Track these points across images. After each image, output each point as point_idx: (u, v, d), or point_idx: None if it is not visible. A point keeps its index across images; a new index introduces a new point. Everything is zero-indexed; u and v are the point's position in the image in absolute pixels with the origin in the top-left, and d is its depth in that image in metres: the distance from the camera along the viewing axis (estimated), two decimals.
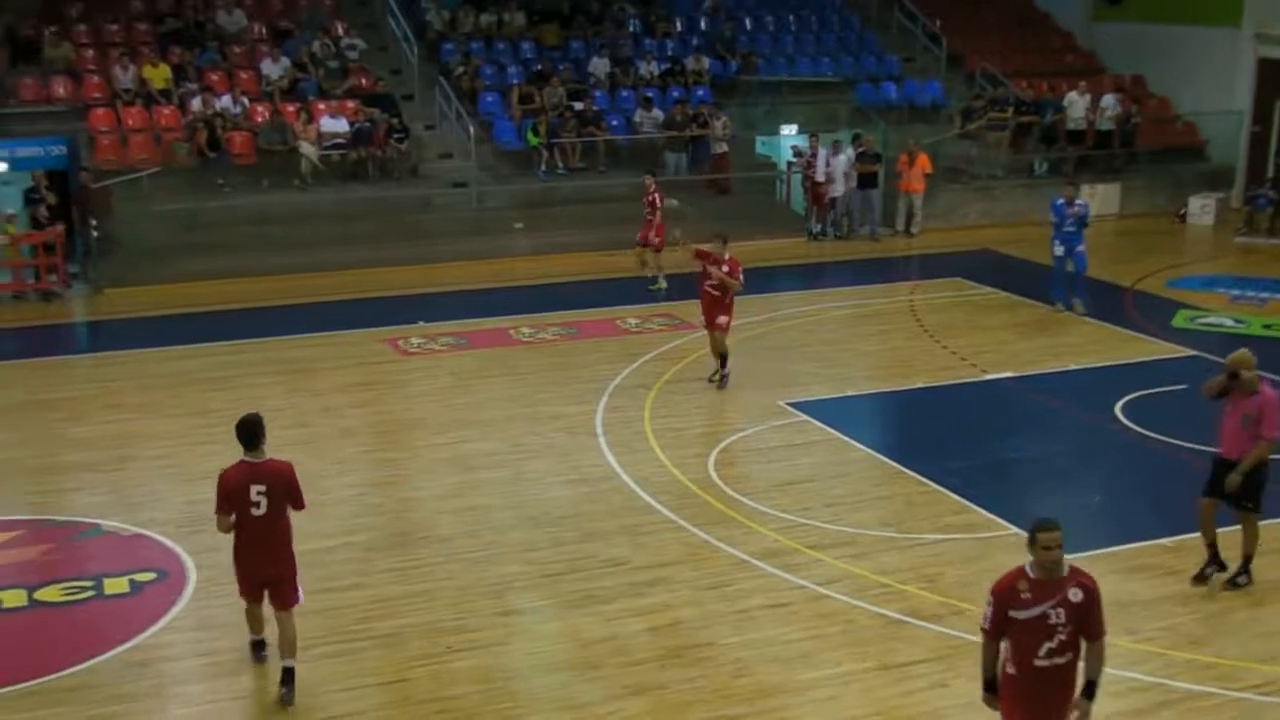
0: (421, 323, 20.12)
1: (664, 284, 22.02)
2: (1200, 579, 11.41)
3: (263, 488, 9.54)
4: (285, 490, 9.66)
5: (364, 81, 27.99)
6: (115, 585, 11.49)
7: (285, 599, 9.77)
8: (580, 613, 11.03)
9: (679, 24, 32.36)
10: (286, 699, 9.61)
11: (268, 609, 9.93)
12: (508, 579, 11.64)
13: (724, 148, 28.07)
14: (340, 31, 29.37)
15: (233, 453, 9.76)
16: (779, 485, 13.71)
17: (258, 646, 10.27)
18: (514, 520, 12.90)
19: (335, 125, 26.32)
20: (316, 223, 25.09)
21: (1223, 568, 11.44)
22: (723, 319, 16.72)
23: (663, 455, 14.55)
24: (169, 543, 12.31)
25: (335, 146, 26.08)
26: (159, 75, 26.40)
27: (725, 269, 16.53)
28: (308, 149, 25.49)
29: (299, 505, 9.84)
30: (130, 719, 9.49)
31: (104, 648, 10.42)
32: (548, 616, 11.11)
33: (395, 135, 26.41)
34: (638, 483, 13.76)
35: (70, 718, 9.47)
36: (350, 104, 26.99)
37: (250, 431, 9.68)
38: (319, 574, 11.51)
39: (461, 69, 28.62)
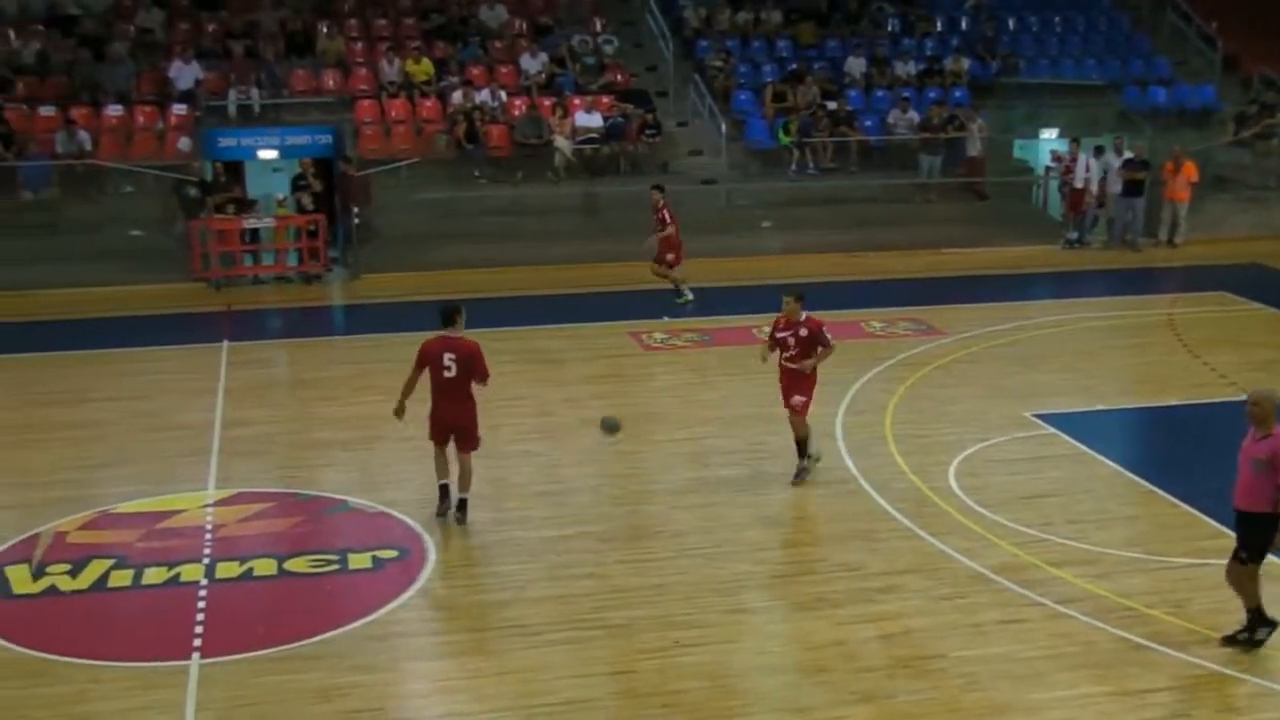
0: (666, 318, 20.23)
1: (690, 297, 20.96)
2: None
3: (453, 356, 12.24)
4: (469, 361, 12.26)
5: (619, 77, 28.32)
6: (358, 560, 11.84)
7: (465, 444, 12.49)
8: (810, 615, 10.88)
9: (939, 23, 31.80)
10: (459, 521, 12.43)
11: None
12: (739, 577, 11.55)
13: (979, 151, 27.42)
14: (598, 28, 29.78)
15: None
16: (1021, 498, 13.26)
17: (443, 491, 12.62)
18: (749, 519, 12.81)
19: (589, 120, 26.69)
20: (566, 216, 25.50)
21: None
22: (799, 399, 13.49)
23: (902, 461, 14.26)
24: (411, 522, 12.63)
25: (588, 141, 26.44)
26: (422, 69, 27.21)
27: (804, 332, 13.45)
28: (562, 143, 25.91)
29: (482, 378, 12.38)
30: (367, 690, 9.74)
31: (345, 619, 10.74)
32: (777, 617, 11.00)
33: (648, 132, 26.63)
34: (875, 488, 13.51)
35: (311, 684, 9.78)
36: (605, 100, 27.34)
37: (450, 311, 12.52)
38: (554, 561, 11.70)
39: (716, 66, 28.67)
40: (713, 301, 21.25)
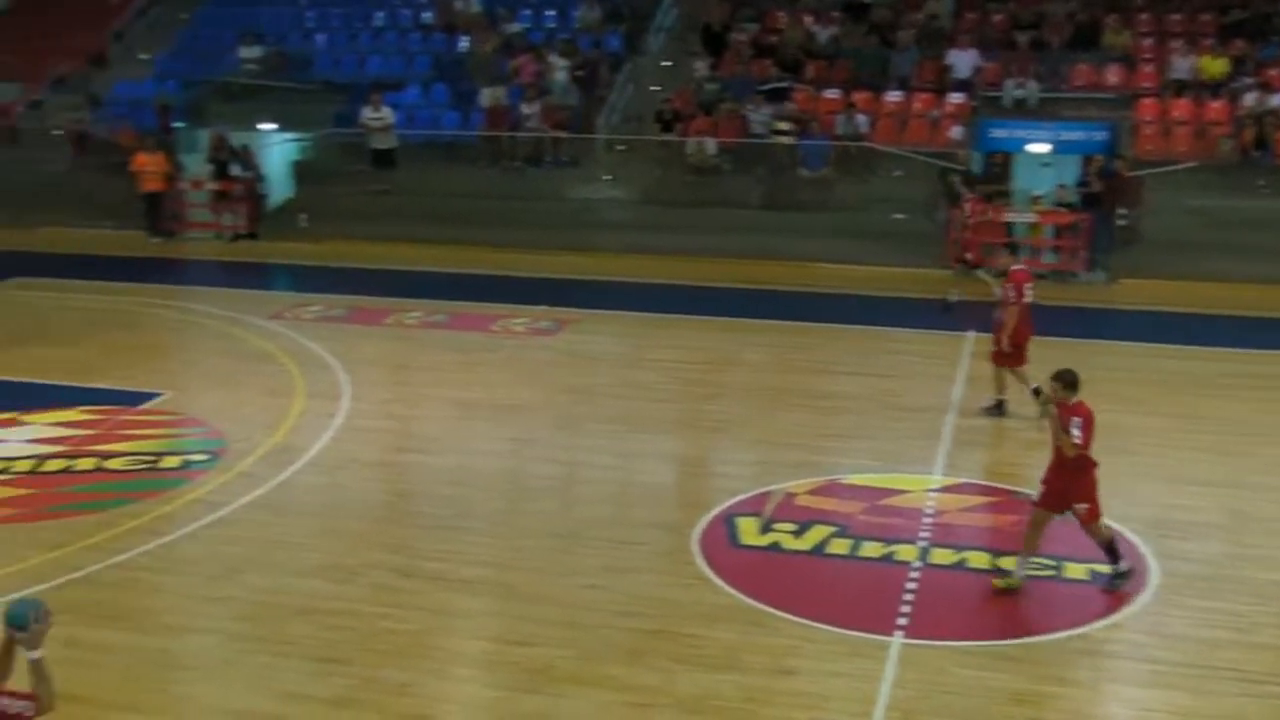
0: None
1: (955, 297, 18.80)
2: None
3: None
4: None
5: None
6: (1074, 570, 11.45)
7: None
8: None
9: None
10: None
11: None
12: None
13: None
14: None
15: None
16: None
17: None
18: None
19: None
20: None
21: None
22: (1081, 506, 11.01)
23: None
24: (1137, 540, 12.05)
25: None
26: (1216, 67, 25.73)
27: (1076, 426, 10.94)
28: None
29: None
30: (1062, 702, 9.43)
31: (1051, 627, 10.46)
32: None
33: None
34: None
35: (1006, 685, 9.61)
36: None
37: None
38: None
39: None
40: None
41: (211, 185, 27.08)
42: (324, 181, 27.43)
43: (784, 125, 25.48)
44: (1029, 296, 15.39)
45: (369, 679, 9.90)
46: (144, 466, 14.36)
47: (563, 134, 26.59)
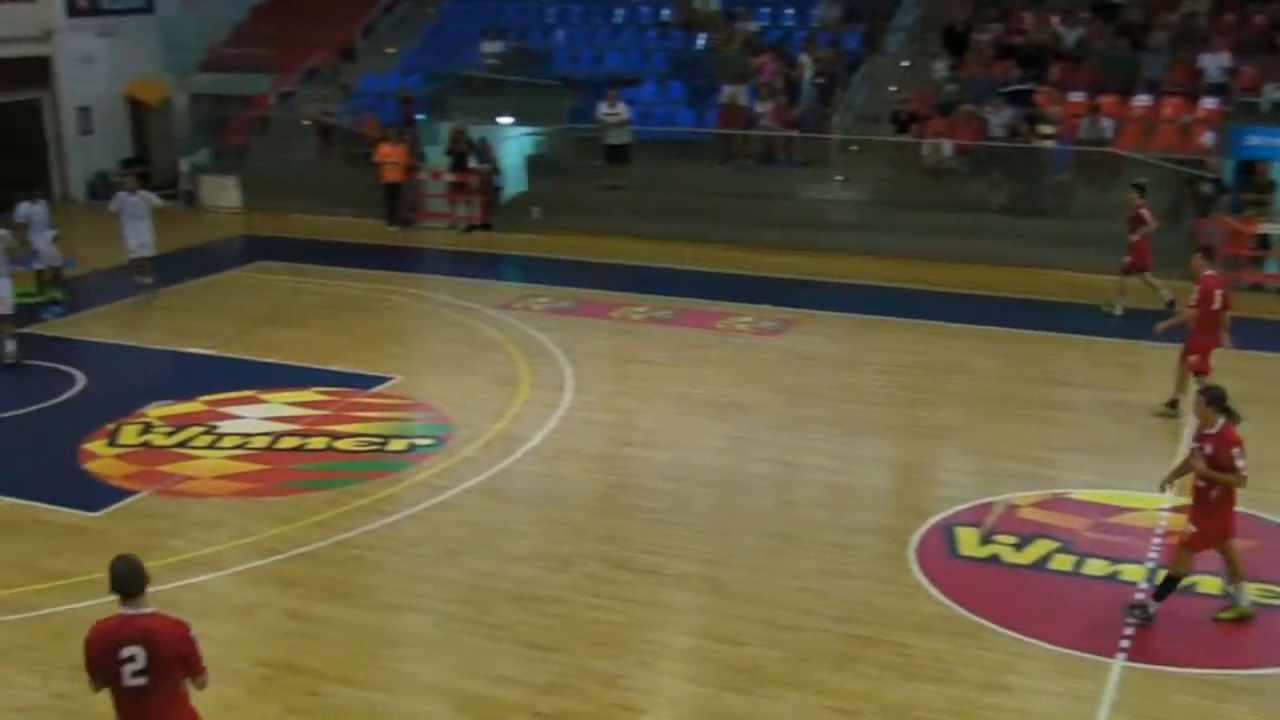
0: None
1: (1118, 309, 19.44)
2: None
3: None
4: None
5: None
6: None
7: None
8: None
9: None
10: None
11: None
12: None
13: None
14: None
15: None
16: None
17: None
18: None
19: None
20: None
21: None
22: (1192, 528, 10.48)
23: None
24: None
25: None
26: None
27: (1209, 449, 10.30)
28: None
29: None
30: None
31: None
32: None
33: None
34: None
35: (1231, 715, 9.21)
36: None
37: None
38: None
39: None
40: None
41: (449, 177, 27.74)
42: (557, 176, 27.84)
43: (1048, 129, 24.81)
44: (1217, 304, 14.81)
45: (578, 667, 10.01)
46: (372, 448, 14.80)
47: (795, 133, 26.43)
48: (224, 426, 15.38)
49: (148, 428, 15.38)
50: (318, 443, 14.92)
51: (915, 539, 12.14)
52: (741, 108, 26.91)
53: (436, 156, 28.46)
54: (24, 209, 20.56)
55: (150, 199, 21.55)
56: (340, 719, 9.44)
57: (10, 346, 17.63)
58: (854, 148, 26.53)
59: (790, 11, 29.98)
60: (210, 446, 14.80)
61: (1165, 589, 10.54)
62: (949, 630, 10.48)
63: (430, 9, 33.49)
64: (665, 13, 30.87)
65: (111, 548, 12.02)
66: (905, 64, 28.21)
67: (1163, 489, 10.95)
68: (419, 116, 29.31)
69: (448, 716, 9.46)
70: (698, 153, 27.44)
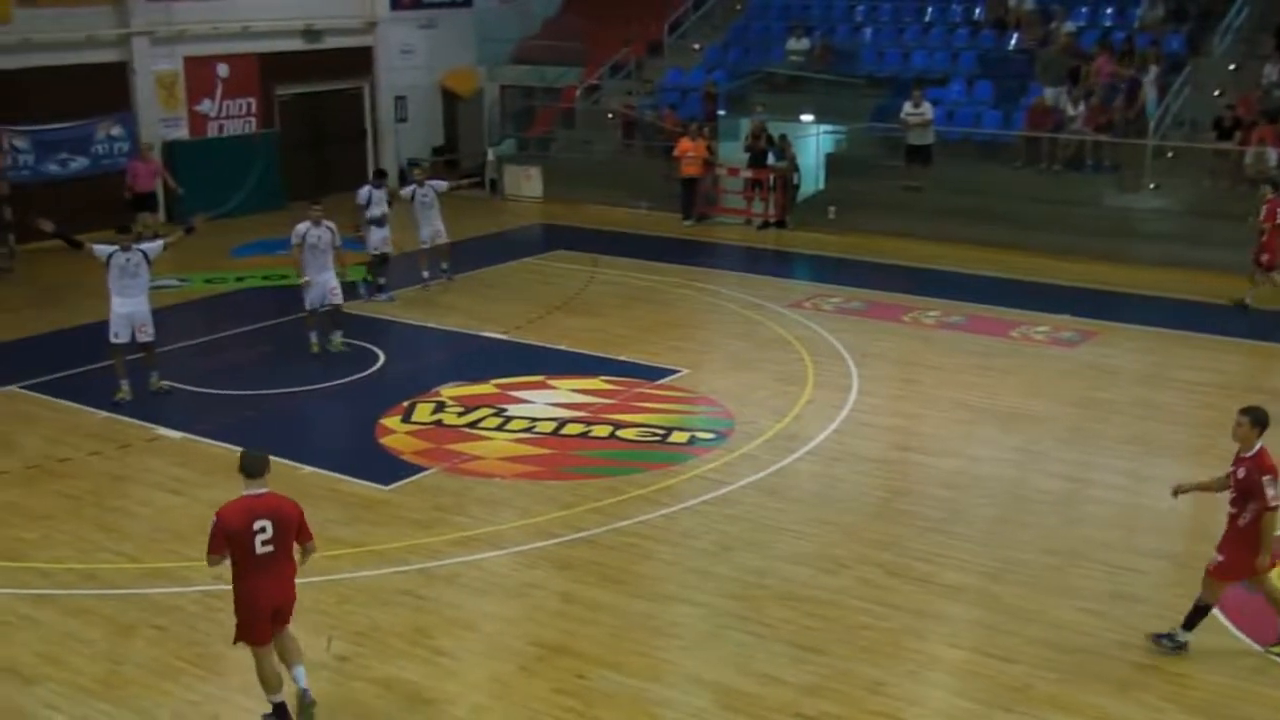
0: None
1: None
2: None
3: None
4: None
5: None
6: None
7: None
8: None
9: None
10: None
11: None
12: None
13: None
14: None
15: None
16: None
17: None
18: None
19: None
20: None
21: None
22: (1216, 556, 10.00)
23: None
24: None
25: None
26: None
27: (1242, 473, 9.81)
28: None
29: None
30: None
31: None
32: None
33: None
34: None
35: None
36: None
37: None
38: None
39: None
40: None
41: (746, 173, 27.81)
42: (856, 175, 27.54)
43: None
44: None
45: (843, 672, 9.90)
46: (654, 439, 14.96)
47: (1106, 138, 25.43)
48: (512, 410, 15.81)
49: (440, 407, 15.95)
50: (601, 431, 15.17)
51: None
52: (1051, 110, 26.05)
53: (733, 152, 28.55)
54: (365, 192, 20.99)
55: (438, 187, 22.16)
56: (605, 703, 9.56)
57: (338, 336, 18.25)
58: (1170, 154, 25.36)
59: (1110, 11, 28.90)
60: (498, 428, 15.24)
61: (1194, 618, 10.11)
62: (1237, 665, 9.92)
63: (739, 5, 33.64)
64: (978, 11, 30.16)
65: (400, 521, 12.67)
66: (1232, 67, 26.78)
67: (1175, 494, 10.70)
68: (720, 112, 29.48)
69: (711, 710, 9.46)
70: (1001, 155, 26.76)
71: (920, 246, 24.28)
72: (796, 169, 27.54)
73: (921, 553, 11.94)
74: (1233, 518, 9.95)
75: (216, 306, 21.43)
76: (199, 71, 28.38)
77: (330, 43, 30.71)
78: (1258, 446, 9.86)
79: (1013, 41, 29.03)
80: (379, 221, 20.89)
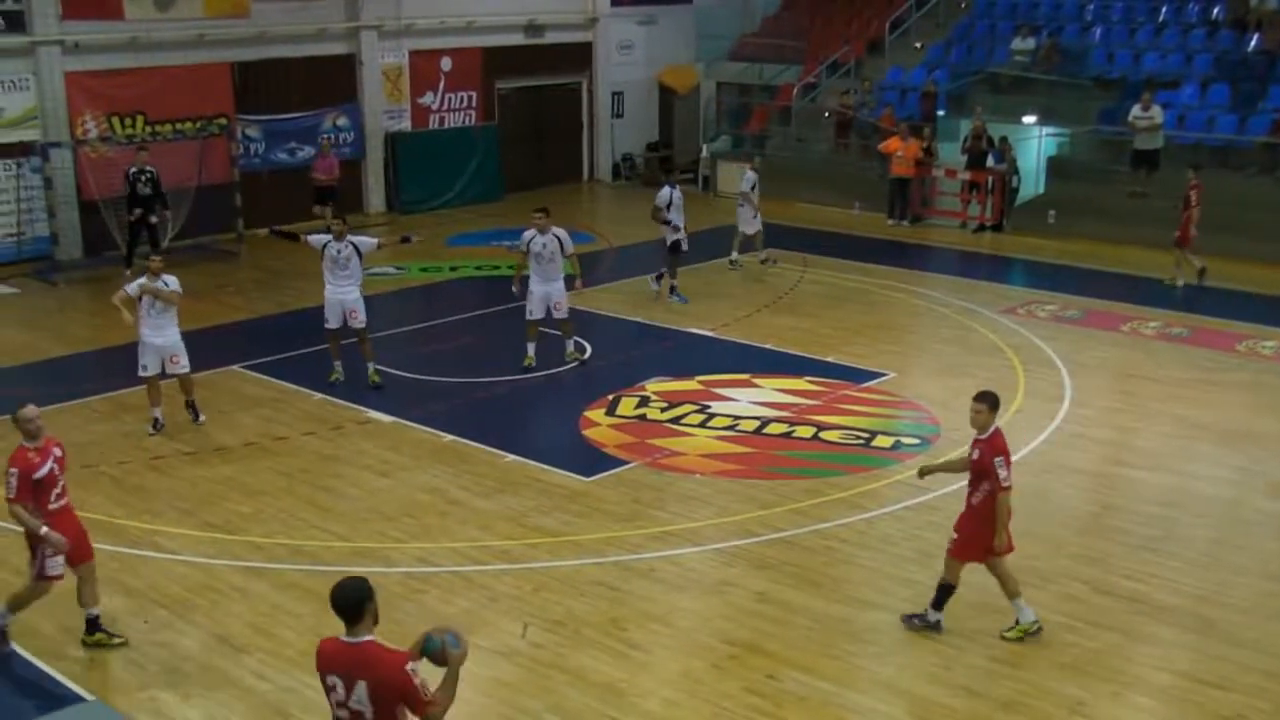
0: None
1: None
2: None
3: None
4: None
5: None
6: None
7: None
8: None
9: None
10: None
11: None
12: None
13: None
14: None
15: None
16: None
17: None
18: None
19: None
20: None
21: None
22: (954, 534, 10.63)
23: None
24: None
25: None
26: None
27: (976, 454, 10.36)
28: None
29: None
30: None
31: None
32: None
33: None
34: None
35: None
36: None
37: None
38: None
39: None
40: None
41: (963, 175, 27.27)
42: (1078, 179, 26.77)
43: None
44: None
45: (1042, 688, 9.66)
46: (858, 442, 14.80)
47: None
48: (716, 407, 15.82)
49: (644, 401, 16.05)
50: (805, 431, 15.07)
51: None
52: None
53: (952, 154, 28.03)
54: (665, 193, 20.79)
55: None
56: (795, 705, 9.50)
57: (570, 346, 17.89)
58: None
59: None
60: (701, 425, 15.26)
61: (940, 597, 10.49)
62: None
63: (964, 4, 33.00)
64: (1216, 10, 28.98)
65: (599, 513, 12.80)
66: None
67: (921, 475, 11.08)
68: (939, 113, 28.98)
69: None
70: (1236, 161, 25.67)
71: (1143, 254, 23.44)
72: (1016, 171, 26.91)
73: (1130, 571, 11.55)
74: (968, 497, 10.39)
75: (431, 295, 21.96)
76: (423, 64, 29.13)
77: (551, 38, 31.23)
78: (992, 429, 10.26)
79: (1253, 43, 27.81)
80: (675, 225, 20.74)
